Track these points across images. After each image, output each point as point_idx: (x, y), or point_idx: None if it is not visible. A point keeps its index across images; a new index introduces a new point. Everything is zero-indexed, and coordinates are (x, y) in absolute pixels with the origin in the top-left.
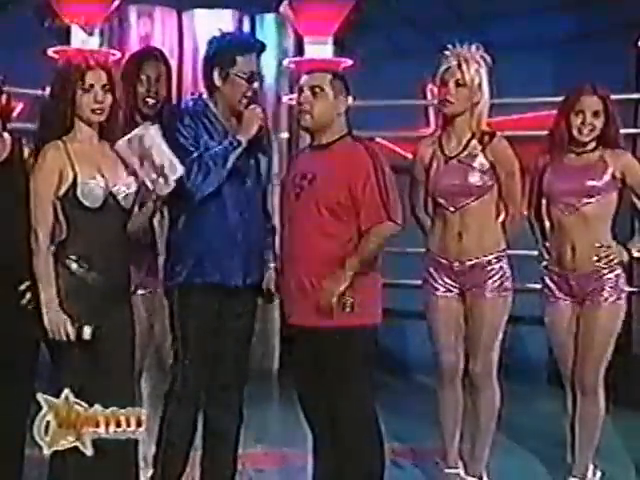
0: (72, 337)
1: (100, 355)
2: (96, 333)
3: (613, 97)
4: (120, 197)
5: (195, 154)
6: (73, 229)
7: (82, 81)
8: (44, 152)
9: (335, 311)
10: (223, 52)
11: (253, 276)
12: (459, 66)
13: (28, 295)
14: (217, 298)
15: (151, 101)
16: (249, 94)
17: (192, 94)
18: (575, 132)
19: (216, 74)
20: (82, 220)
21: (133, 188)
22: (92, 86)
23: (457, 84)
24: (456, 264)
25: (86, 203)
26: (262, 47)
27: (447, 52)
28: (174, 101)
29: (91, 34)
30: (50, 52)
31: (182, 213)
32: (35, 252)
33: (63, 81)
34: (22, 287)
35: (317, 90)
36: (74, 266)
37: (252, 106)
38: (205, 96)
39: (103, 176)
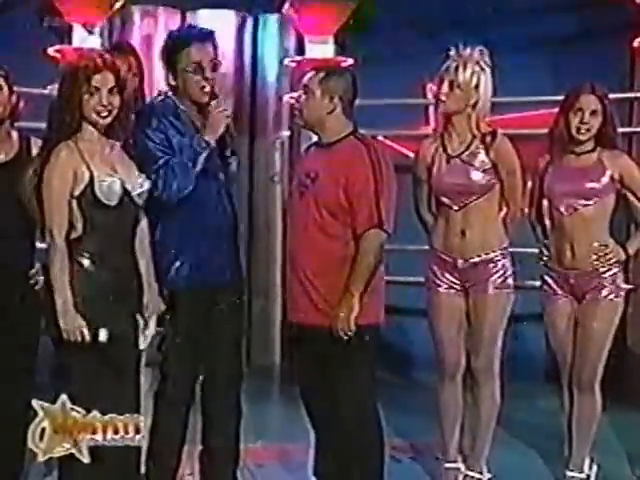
0: (87, 339)
1: (110, 355)
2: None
3: (609, 96)
4: (134, 194)
5: (162, 160)
6: (89, 227)
7: (88, 84)
8: (57, 152)
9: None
10: (168, 50)
11: (237, 272)
12: (456, 68)
13: (40, 280)
14: (204, 297)
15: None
16: (203, 84)
17: (159, 93)
18: (573, 131)
19: (170, 73)
20: (98, 218)
21: (146, 186)
22: (98, 89)
23: (451, 85)
24: (460, 262)
25: (104, 200)
26: (206, 36)
27: (450, 53)
28: (146, 93)
29: (93, 34)
30: (51, 51)
31: (160, 217)
32: (51, 252)
33: (70, 83)
34: (33, 270)
35: (307, 90)
36: (86, 262)
37: (215, 103)
38: (171, 94)
39: (117, 173)
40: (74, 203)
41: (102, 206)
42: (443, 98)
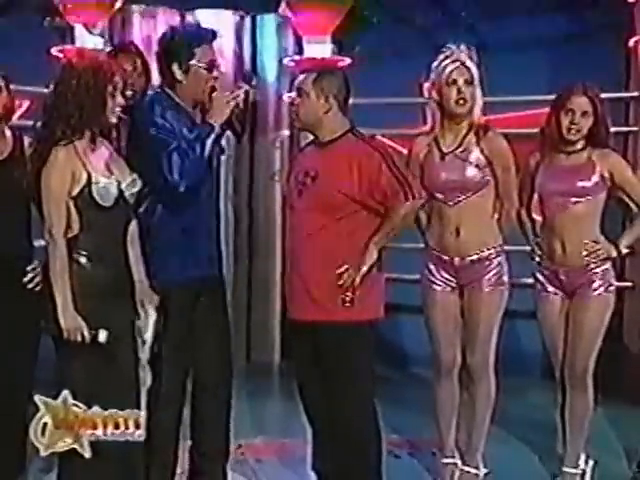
0: (87, 340)
1: (109, 352)
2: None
3: (604, 96)
4: (127, 194)
5: (172, 145)
6: (85, 226)
7: (113, 86)
8: (55, 153)
9: (344, 295)
10: (179, 46)
11: (221, 264)
12: (464, 65)
13: (37, 279)
14: (196, 292)
15: (129, 93)
16: (211, 83)
17: (151, 87)
18: (564, 131)
19: (176, 68)
20: (94, 218)
21: (138, 185)
22: (116, 90)
23: (466, 83)
24: (456, 260)
25: (101, 201)
26: (215, 36)
27: (446, 53)
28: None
29: (94, 34)
30: (53, 51)
31: (157, 209)
32: (51, 253)
33: (92, 84)
34: (30, 268)
35: (301, 92)
36: (83, 260)
37: (216, 93)
38: (164, 88)
39: (113, 174)
40: (71, 203)
41: (98, 207)
42: (467, 98)
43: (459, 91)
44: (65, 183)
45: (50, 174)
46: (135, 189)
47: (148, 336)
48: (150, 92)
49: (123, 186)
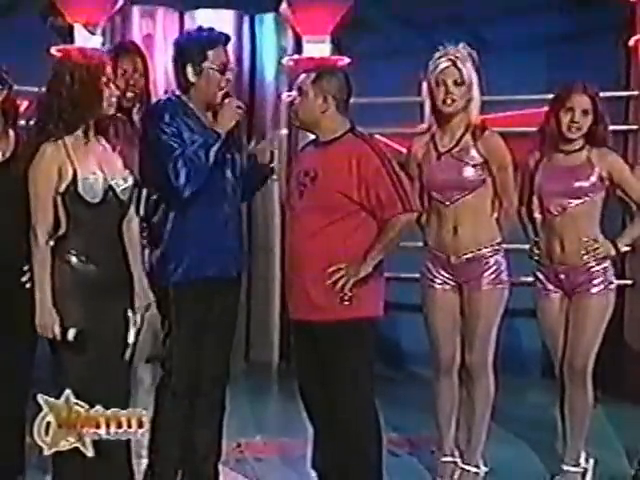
0: (58, 337)
1: (99, 350)
2: (94, 330)
3: (604, 94)
4: (118, 190)
5: (177, 152)
6: (73, 224)
7: (106, 78)
8: (42, 150)
9: (343, 293)
10: (193, 48)
11: (241, 266)
12: (454, 65)
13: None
14: (211, 292)
15: (129, 94)
16: (224, 85)
17: (165, 92)
18: (564, 129)
19: (190, 70)
20: (82, 215)
21: (130, 181)
22: (110, 80)
23: (455, 83)
24: (453, 258)
25: (87, 198)
26: (228, 39)
27: (439, 53)
28: (152, 94)
29: (94, 33)
30: (53, 51)
31: (169, 211)
32: (33, 250)
33: (85, 80)
34: (26, 267)
35: (301, 91)
36: (74, 260)
37: (229, 99)
38: (178, 93)
39: (102, 171)
40: (59, 200)
41: (85, 203)
42: (454, 98)
43: (447, 91)
44: (51, 180)
45: (36, 170)
46: (127, 185)
47: (131, 340)
48: (164, 97)
49: (112, 182)
